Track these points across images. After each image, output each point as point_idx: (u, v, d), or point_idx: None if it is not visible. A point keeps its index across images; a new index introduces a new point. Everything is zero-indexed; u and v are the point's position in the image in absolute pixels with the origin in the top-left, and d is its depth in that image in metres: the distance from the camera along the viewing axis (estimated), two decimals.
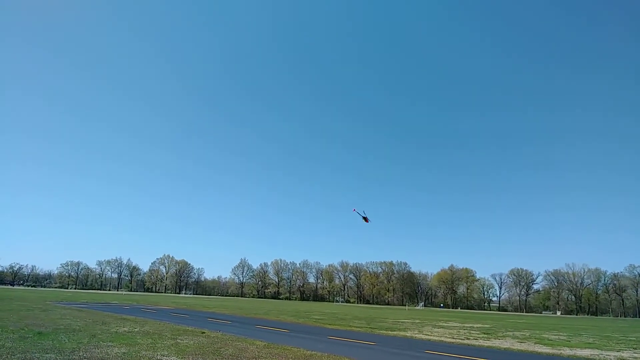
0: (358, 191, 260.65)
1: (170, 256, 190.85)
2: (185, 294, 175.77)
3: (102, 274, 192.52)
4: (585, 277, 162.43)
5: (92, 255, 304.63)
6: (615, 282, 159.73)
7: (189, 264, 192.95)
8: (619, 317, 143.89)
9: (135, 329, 18.68)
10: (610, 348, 21.64)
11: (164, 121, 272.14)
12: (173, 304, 55.36)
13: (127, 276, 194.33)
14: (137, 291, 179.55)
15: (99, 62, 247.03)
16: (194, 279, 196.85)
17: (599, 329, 44.41)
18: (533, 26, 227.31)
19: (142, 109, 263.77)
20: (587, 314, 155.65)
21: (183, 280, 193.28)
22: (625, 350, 20.90)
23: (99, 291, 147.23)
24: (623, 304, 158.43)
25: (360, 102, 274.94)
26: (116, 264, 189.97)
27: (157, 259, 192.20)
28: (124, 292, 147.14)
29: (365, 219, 43.61)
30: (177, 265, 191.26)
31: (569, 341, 25.13)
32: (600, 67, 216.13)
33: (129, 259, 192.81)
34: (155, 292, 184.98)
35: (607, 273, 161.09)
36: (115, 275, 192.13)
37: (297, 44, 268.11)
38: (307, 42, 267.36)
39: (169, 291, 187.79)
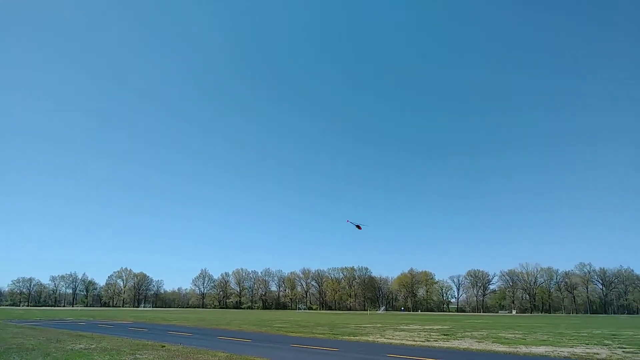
0: (320, 194, 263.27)
1: (128, 269, 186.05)
2: (144, 307, 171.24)
3: (56, 290, 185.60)
4: (538, 276, 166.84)
5: (45, 271, 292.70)
6: (566, 280, 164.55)
7: (148, 276, 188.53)
8: (571, 314, 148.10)
9: (92, 346, 18.12)
10: (563, 344, 22.15)
11: (116, 130, 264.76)
12: (131, 318, 54.20)
13: (83, 291, 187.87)
14: (93, 306, 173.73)
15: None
16: (153, 292, 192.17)
17: (553, 326, 45.60)
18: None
19: (88, 120, 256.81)
20: (541, 312, 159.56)
21: (142, 293, 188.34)
22: (578, 346, 21.43)
23: (53, 308, 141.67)
24: (574, 301, 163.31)
25: (323, 99, 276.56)
26: (71, 279, 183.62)
27: (114, 272, 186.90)
28: (80, 308, 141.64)
29: (359, 226, 47.90)
30: (136, 278, 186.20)
31: (525, 339, 25.62)
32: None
33: (84, 274, 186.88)
34: (113, 306, 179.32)
35: (559, 271, 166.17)
36: (70, 291, 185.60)
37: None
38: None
39: (127, 305, 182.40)
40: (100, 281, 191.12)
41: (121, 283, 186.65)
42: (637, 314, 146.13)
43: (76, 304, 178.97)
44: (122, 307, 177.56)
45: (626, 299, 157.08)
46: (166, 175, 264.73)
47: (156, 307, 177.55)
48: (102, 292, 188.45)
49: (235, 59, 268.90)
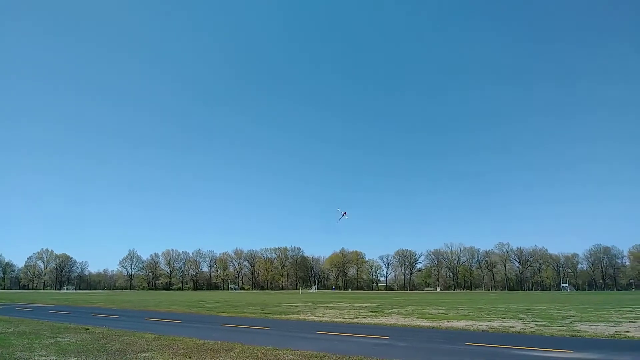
0: (251, 181, 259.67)
1: (49, 250, 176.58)
2: (67, 289, 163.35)
3: None
4: (461, 255, 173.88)
5: None
6: (487, 258, 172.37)
7: (71, 258, 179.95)
8: (490, 291, 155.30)
9: (9, 330, 17.17)
10: (482, 319, 23.22)
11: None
12: (53, 301, 51.44)
13: (0, 273, 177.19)
14: (11, 289, 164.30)
15: None
16: (76, 274, 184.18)
17: (473, 302, 47.66)
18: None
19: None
20: (463, 289, 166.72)
21: (64, 275, 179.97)
22: (495, 320, 22.61)
23: None
24: (494, 279, 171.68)
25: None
26: None
27: (34, 253, 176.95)
28: None
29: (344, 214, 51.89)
30: (58, 260, 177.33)
31: (447, 314, 26.60)
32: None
33: (0, 254, 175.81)
34: (33, 289, 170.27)
35: (480, 251, 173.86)
36: None
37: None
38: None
39: (48, 288, 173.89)
40: (19, 263, 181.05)
41: (42, 265, 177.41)
42: (550, 290, 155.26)
43: None
44: (43, 289, 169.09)
45: (540, 277, 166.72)
46: (89, 155, 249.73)
47: (80, 289, 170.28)
48: (21, 274, 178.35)
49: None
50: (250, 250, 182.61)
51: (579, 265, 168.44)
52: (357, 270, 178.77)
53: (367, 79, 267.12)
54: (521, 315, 25.41)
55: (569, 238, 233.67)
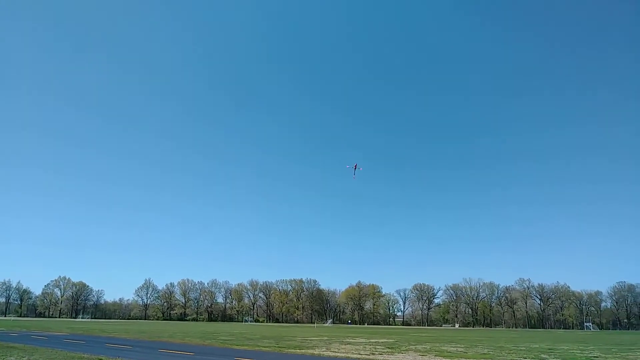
0: (266, 210, 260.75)
1: (67, 278, 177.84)
2: (82, 318, 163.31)
3: None
4: (480, 290, 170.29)
5: None
6: (507, 294, 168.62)
7: (88, 286, 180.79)
8: (510, 328, 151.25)
9: (24, 359, 17.39)
10: (503, 358, 22.71)
11: (48, 137, 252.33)
12: (68, 329, 51.64)
13: (17, 300, 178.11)
14: (27, 316, 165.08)
15: None
16: (92, 302, 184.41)
17: (493, 340, 46.29)
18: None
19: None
20: (483, 326, 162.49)
21: (80, 303, 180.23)
22: (517, 359, 22.18)
23: None
24: (514, 316, 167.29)
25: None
26: (4, 287, 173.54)
27: (51, 281, 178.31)
28: (13, 318, 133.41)
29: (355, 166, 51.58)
30: (74, 288, 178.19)
31: (466, 352, 25.85)
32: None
33: (19, 282, 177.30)
34: (49, 317, 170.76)
35: (500, 286, 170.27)
36: (2, 300, 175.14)
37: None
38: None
39: (64, 316, 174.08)
40: (36, 290, 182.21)
41: (58, 292, 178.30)
42: (573, 329, 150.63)
43: (9, 313, 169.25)
44: (59, 317, 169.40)
45: (562, 314, 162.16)
46: (107, 182, 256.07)
47: (95, 318, 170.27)
48: (38, 302, 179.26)
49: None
50: (265, 282, 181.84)
51: (603, 304, 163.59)
52: (374, 305, 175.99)
53: (384, 115, 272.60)
54: (543, 355, 24.68)
55: (591, 275, 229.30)
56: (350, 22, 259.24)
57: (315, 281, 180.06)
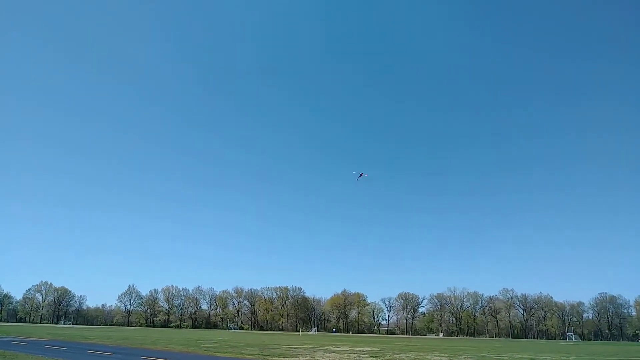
0: (253, 213, 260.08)
1: (49, 283, 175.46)
2: (64, 324, 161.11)
3: None
4: (465, 300, 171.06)
5: None
6: (490, 304, 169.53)
7: (70, 291, 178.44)
8: (494, 338, 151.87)
9: None
10: None
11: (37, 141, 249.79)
12: (49, 335, 51.10)
13: None
14: (7, 322, 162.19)
15: None
16: (74, 308, 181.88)
17: (476, 349, 46.54)
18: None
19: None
20: (466, 336, 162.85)
21: (62, 309, 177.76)
22: None
23: None
24: (497, 325, 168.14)
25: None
26: None
27: (32, 285, 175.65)
28: None
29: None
30: (56, 293, 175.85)
31: None
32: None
33: None
34: (30, 322, 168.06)
35: (484, 296, 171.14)
36: None
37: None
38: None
39: (45, 321, 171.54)
40: (17, 295, 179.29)
41: (40, 297, 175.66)
42: (555, 339, 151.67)
43: None
44: (40, 323, 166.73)
45: (545, 325, 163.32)
46: (90, 186, 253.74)
47: (77, 324, 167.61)
48: (19, 307, 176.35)
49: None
50: (250, 289, 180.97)
51: (585, 314, 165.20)
52: (359, 313, 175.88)
53: (372, 123, 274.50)
54: None
55: (574, 286, 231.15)
56: (348, 29, 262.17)
57: (300, 289, 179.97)
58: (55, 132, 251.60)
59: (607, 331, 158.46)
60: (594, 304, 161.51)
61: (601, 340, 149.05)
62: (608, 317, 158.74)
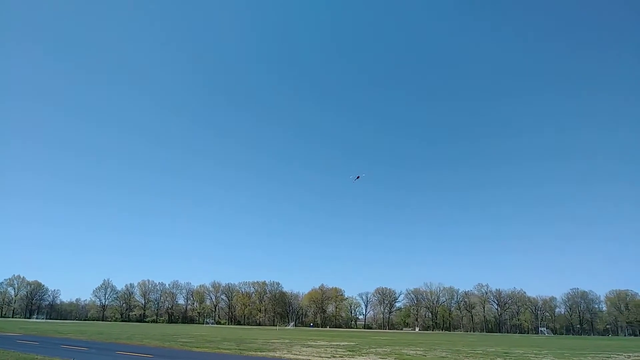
0: (230, 209, 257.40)
1: (21, 276, 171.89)
2: (37, 318, 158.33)
3: None
4: (440, 295, 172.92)
5: None
6: (466, 299, 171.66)
7: (43, 285, 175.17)
8: (469, 332, 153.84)
9: None
10: None
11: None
12: (21, 330, 50.53)
13: None
14: None
15: None
16: (48, 302, 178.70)
17: (451, 343, 47.54)
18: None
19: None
20: (442, 330, 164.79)
21: (35, 303, 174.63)
22: None
23: None
24: (472, 320, 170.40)
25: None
26: None
27: (4, 279, 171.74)
28: None
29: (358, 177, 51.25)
30: (29, 287, 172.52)
31: (425, 355, 26.53)
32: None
33: None
34: (2, 317, 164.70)
35: (459, 291, 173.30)
36: None
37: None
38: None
39: (17, 316, 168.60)
40: None
41: (12, 291, 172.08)
42: (528, 333, 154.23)
43: None
44: (12, 317, 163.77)
45: (518, 319, 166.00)
46: (63, 180, 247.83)
47: (51, 318, 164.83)
48: None
49: None
50: (228, 284, 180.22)
51: (557, 309, 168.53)
52: (336, 308, 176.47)
53: (361, 112, 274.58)
54: (499, 359, 25.62)
55: (547, 281, 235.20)
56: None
57: (278, 284, 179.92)
58: (30, 125, 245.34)
59: (578, 326, 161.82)
60: (566, 299, 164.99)
61: (573, 334, 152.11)
62: (579, 312, 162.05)
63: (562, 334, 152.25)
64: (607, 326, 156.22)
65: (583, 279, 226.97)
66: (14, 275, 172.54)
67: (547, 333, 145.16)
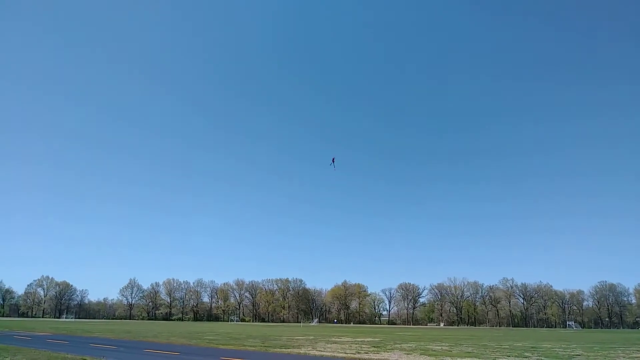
0: (254, 208, 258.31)
1: (50, 277, 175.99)
2: (66, 318, 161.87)
3: None
4: (465, 289, 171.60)
5: None
6: (491, 294, 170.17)
7: (71, 286, 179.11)
8: (494, 327, 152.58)
9: (7, 359, 17.15)
10: (487, 356, 22.69)
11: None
12: (51, 329, 51.23)
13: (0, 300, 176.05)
14: (10, 316, 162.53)
15: None
16: (76, 302, 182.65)
17: (477, 338, 46.27)
18: None
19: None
20: (467, 325, 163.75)
21: (64, 303, 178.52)
22: (500, 358, 22.09)
23: None
24: (498, 315, 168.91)
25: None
26: None
27: (34, 280, 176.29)
28: None
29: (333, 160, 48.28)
30: (58, 287, 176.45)
31: (451, 351, 25.92)
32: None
33: (1, 281, 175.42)
34: (32, 317, 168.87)
35: (484, 286, 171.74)
36: None
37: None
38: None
39: (47, 316, 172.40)
40: (19, 290, 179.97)
41: (42, 292, 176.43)
42: (555, 327, 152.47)
43: None
44: (42, 317, 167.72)
45: (545, 313, 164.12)
46: (92, 179, 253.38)
47: (79, 318, 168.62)
48: (21, 302, 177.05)
49: None
50: (251, 281, 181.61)
51: (585, 303, 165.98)
52: (360, 304, 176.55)
53: (373, 115, 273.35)
54: (526, 354, 24.76)
55: (574, 274, 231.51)
56: (347, 16, 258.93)
57: (301, 280, 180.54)
58: (55, 121, 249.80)
59: (607, 319, 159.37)
60: (594, 292, 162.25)
61: (601, 328, 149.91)
62: (608, 305, 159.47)
63: (591, 328, 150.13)
64: (637, 319, 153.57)
65: (611, 271, 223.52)
66: (42, 276, 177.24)
67: (575, 327, 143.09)
